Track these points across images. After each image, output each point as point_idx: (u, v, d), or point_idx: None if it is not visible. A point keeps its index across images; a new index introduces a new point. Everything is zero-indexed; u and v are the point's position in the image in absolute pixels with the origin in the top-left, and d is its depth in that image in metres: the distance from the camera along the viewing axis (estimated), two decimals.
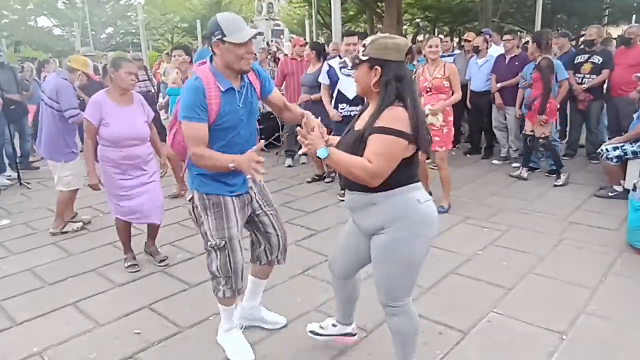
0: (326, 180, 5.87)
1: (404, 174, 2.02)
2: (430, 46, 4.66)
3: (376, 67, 1.99)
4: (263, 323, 2.86)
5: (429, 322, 2.86)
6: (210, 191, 2.42)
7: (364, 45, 2.04)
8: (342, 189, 2.39)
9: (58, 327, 2.95)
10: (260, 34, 2.43)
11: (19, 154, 6.95)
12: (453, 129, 4.74)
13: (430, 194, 4.84)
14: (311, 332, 2.65)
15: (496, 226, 4.34)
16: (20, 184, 6.23)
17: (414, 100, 2.01)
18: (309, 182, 5.88)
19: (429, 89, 4.64)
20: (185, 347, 2.73)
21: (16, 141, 6.90)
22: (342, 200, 5.50)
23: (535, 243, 3.94)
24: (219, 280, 2.50)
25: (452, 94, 4.67)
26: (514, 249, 3.86)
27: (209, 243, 2.44)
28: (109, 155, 3.51)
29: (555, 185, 5.46)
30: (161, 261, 3.78)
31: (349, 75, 4.78)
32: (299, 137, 1.98)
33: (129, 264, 3.71)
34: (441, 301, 3.12)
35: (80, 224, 4.62)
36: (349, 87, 4.87)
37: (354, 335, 2.64)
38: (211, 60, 2.34)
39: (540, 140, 5.51)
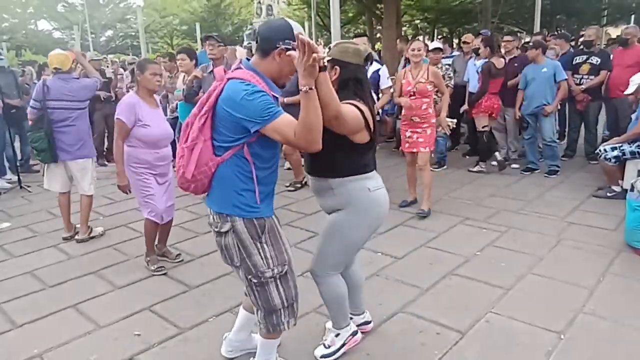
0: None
1: (358, 162, 2.34)
2: (413, 49, 4.68)
3: (336, 66, 2.28)
4: (255, 349, 2.49)
5: (427, 323, 2.88)
6: (260, 215, 2.10)
7: (329, 47, 2.33)
8: (307, 172, 2.46)
9: (58, 329, 2.96)
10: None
11: (19, 157, 6.96)
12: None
13: (415, 200, 4.93)
14: None
15: (495, 227, 4.35)
16: (21, 187, 6.25)
17: (371, 99, 2.36)
18: (287, 186, 5.74)
19: (412, 93, 4.65)
20: (185, 348, 2.75)
21: (17, 144, 6.92)
22: (290, 190, 5.67)
23: (534, 244, 3.96)
24: (279, 313, 2.18)
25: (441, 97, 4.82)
26: (513, 249, 3.88)
27: (266, 274, 2.11)
28: (144, 158, 3.51)
29: (470, 170, 6.19)
30: (176, 256, 3.87)
31: None
32: (306, 43, 1.79)
33: (156, 266, 3.69)
34: (439, 302, 3.13)
35: (102, 228, 4.62)
36: None
37: (370, 322, 2.82)
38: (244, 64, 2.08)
39: (483, 131, 6.06)
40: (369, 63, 2.32)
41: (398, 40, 8.52)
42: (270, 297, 2.15)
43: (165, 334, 2.87)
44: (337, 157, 2.30)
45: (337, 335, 2.60)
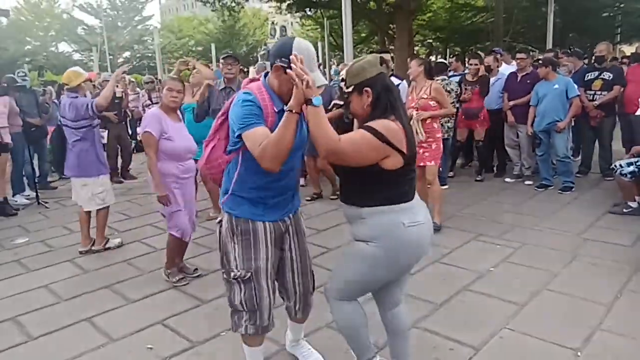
0: (331, 197, 5.91)
1: (390, 190, 2.06)
2: (410, 67, 4.79)
3: (365, 89, 2.06)
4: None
5: (440, 338, 2.85)
6: (240, 214, 2.18)
7: (343, 80, 2.15)
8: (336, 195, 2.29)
9: (72, 342, 2.99)
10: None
11: (37, 174, 7.10)
12: (442, 145, 4.77)
13: None
14: None
15: (509, 243, 4.31)
16: (39, 203, 6.36)
17: (404, 111, 2.11)
18: (308, 200, 5.86)
19: (416, 109, 4.68)
20: None
21: (35, 162, 7.06)
22: (307, 200, 5.81)
23: (549, 260, 3.90)
24: (241, 315, 2.23)
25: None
26: (527, 265, 3.83)
27: (232, 274, 2.19)
28: (171, 171, 3.58)
29: (477, 180, 6.57)
30: (194, 271, 3.89)
31: None
32: (293, 70, 1.85)
33: (178, 277, 3.74)
34: (453, 317, 3.10)
35: (120, 239, 4.71)
36: None
37: None
38: (265, 76, 2.17)
39: (480, 143, 6.55)
40: (385, 66, 2.12)
41: (409, 59, 8.59)
42: (233, 296, 2.23)
43: (177, 348, 2.88)
44: (367, 185, 2.08)
45: None
